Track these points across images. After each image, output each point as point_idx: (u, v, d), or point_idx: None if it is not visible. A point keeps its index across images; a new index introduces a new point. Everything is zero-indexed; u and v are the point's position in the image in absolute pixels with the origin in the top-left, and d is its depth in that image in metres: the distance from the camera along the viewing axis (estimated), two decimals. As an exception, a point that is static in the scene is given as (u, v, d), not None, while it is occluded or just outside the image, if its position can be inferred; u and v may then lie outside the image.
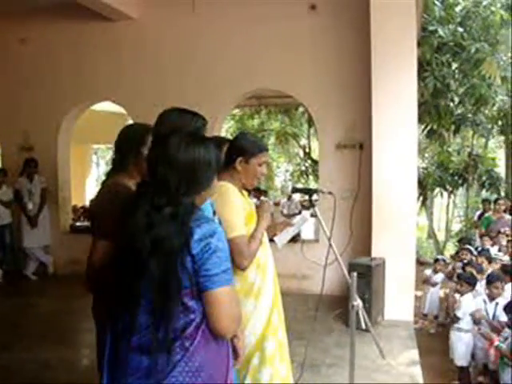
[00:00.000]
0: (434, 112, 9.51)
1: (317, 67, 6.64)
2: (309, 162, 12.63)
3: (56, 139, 7.85)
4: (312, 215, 2.78)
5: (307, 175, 12.73)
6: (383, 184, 5.56)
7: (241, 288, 2.55)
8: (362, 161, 6.35)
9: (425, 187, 10.36)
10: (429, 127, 10.28)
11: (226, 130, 11.25)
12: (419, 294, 7.24)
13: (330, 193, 2.67)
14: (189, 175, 1.72)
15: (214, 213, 2.21)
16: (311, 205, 2.69)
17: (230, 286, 1.71)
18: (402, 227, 5.51)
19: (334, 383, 3.89)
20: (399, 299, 5.51)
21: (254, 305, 2.57)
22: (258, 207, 2.71)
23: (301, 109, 11.76)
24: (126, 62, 7.43)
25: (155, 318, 1.64)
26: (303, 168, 12.89)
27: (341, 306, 5.58)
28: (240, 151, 2.59)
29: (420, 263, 9.68)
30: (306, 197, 2.80)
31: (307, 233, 7.42)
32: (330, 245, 2.59)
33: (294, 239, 6.83)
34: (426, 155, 13.24)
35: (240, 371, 2.56)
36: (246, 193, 2.78)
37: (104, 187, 2.41)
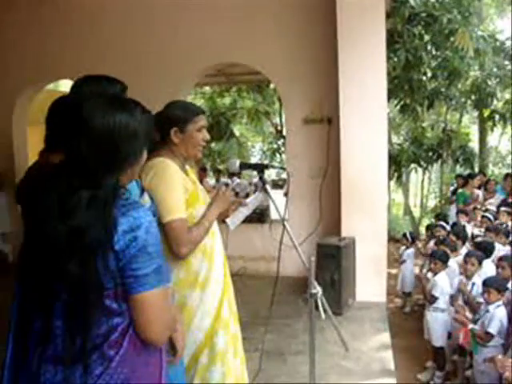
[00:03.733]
0: (406, 86, 9.28)
1: (283, 41, 6.35)
2: (281, 140, 12.38)
3: (10, 122, 7.48)
4: (259, 184, 2.49)
5: (280, 154, 12.49)
6: (352, 160, 5.32)
7: (185, 278, 2.27)
8: (331, 137, 6.07)
9: (399, 163, 10.19)
10: (402, 102, 10.06)
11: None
12: (394, 272, 7.08)
13: (282, 168, 2.40)
14: (109, 148, 1.41)
15: (143, 191, 1.90)
16: (262, 182, 2.40)
17: (162, 288, 1.43)
18: (373, 205, 5.29)
19: (296, 371, 3.67)
20: (371, 280, 5.32)
21: (200, 297, 2.30)
22: (215, 194, 2.41)
23: (272, 86, 11.44)
24: (80, 37, 6.97)
25: (71, 323, 1.35)
26: (275, 146, 12.63)
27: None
28: (172, 121, 2.28)
29: (396, 241, 9.57)
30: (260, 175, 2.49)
31: (275, 213, 7.20)
32: (284, 225, 2.32)
33: (262, 220, 6.62)
34: (401, 132, 13.08)
35: (187, 370, 2.30)
36: (190, 170, 2.48)
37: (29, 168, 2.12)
